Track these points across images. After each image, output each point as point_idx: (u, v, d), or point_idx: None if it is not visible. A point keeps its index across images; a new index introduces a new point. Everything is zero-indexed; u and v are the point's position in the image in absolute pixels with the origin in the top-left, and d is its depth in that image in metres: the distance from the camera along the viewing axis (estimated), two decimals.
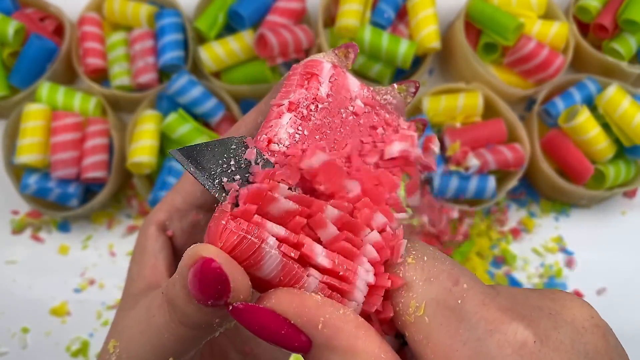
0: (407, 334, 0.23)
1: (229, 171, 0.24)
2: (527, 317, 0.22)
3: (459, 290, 0.23)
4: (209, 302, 0.22)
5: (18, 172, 0.75)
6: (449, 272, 0.23)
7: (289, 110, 0.26)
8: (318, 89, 0.26)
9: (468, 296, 0.22)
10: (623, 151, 0.77)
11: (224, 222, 0.23)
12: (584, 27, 0.83)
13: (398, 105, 0.29)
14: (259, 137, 0.26)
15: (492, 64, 0.81)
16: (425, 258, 0.24)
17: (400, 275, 0.24)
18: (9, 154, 0.75)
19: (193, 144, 0.25)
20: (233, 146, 0.25)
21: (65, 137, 0.73)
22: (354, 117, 0.28)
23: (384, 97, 0.29)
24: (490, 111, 0.79)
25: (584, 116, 0.74)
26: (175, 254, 0.31)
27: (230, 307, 0.22)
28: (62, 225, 0.79)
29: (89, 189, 0.77)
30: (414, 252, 0.24)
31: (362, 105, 0.28)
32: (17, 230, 0.79)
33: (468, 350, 0.21)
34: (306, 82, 0.27)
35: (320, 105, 0.27)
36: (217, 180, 0.24)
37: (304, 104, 0.26)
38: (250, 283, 0.23)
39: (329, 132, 0.26)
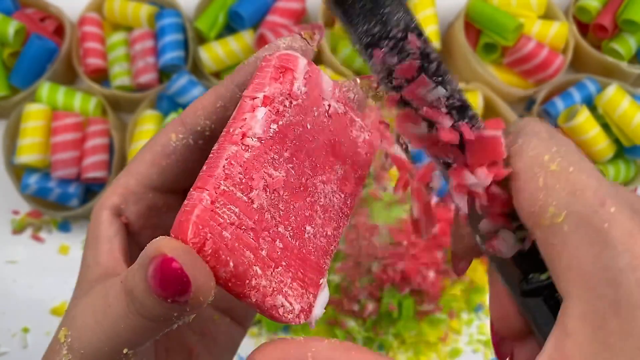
0: (538, 235, 0.23)
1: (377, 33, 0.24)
2: None
3: (605, 212, 0.21)
4: (168, 300, 0.22)
5: (18, 172, 0.75)
6: (595, 190, 0.22)
7: (264, 104, 0.25)
8: (292, 85, 0.26)
9: (615, 223, 0.21)
10: (623, 151, 0.77)
11: (193, 217, 0.23)
12: (583, 27, 0.83)
13: (360, 101, 0.29)
14: (231, 130, 0.25)
15: (491, 64, 0.81)
16: (572, 169, 0.23)
17: (541, 180, 0.23)
18: (9, 154, 0.75)
19: None
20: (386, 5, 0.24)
21: (65, 137, 0.73)
22: (327, 118, 0.27)
23: (348, 94, 0.29)
24: (490, 111, 0.79)
25: (584, 116, 0.74)
26: (131, 238, 0.30)
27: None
28: (62, 225, 0.79)
29: (90, 189, 0.77)
30: (559, 159, 0.23)
31: (337, 106, 0.28)
32: (18, 230, 0.79)
33: (608, 276, 0.21)
34: (281, 76, 0.26)
35: (294, 102, 0.26)
36: (364, 40, 0.24)
37: (279, 99, 0.26)
38: (213, 283, 0.22)
39: (300, 129, 0.26)
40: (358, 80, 0.29)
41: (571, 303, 0.21)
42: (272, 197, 0.25)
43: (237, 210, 0.24)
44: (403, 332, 0.71)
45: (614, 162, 0.77)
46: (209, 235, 0.23)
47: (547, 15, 0.82)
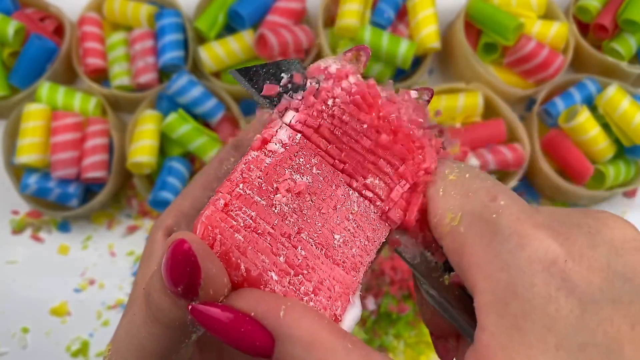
0: (444, 244, 0.24)
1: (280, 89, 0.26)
2: (562, 234, 0.22)
3: (495, 205, 0.23)
4: (179, 289, 0.21)
5: (18, 172, 0.75)
6: (487, 189, 0.23)
7: (294, 109, 0.27)
8: (329, 96, 0.27)
9: (504, 212, 0.22)
10: (623, 151, 0.77)
11: (202, 218, 0.23)
12: (584, 27, 0.83)
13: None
14: (257, 136, 0.26)
15: (492, 64, 0.81)
16: (467, 175, 0.24)
17: (441, 191, 0.24)
18: (9, 154, 0.75)
19: (250, 65, 0.27)
20: (286, 67, 0.27)
21: (65, 137, 0.73)
22: (375, 130, 0.27)
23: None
24: (490, 111, 0.79)
25: (584, 116, 0.74)
26: None
27: (190, 307, 0.22)
28: (62, 225, 0.79)
29: (89, 189, 0.77)
30: (456, 171, 0.25)
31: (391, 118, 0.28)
32: (17, 230, 0.79)
33: (499, 262, 0.21)
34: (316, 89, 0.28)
35: (330, 111, 0.27)
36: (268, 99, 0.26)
37: (311, 110, 0.27)
38: (227, 279, 0.22)
39: (336, 137, 0.27)
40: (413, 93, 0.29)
41: (477, 297, 0.22)
42: (296, 203, 0.25)
43: (253, 214, 0.24)
44: (403, 333, 0.71)
45: (614, 162, 0.77)
46: (219, 236, 0.23)
47: (548, 15, 0.82)
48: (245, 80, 0.26)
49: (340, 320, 0.25)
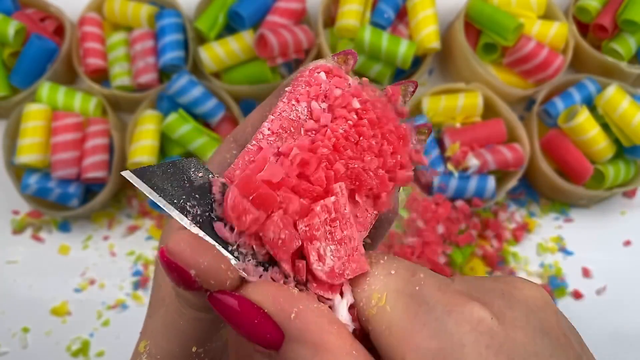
0: (370, 328, 0.24)
1: (183, 191, 0.25)
2: (481, 298, 0.23)
3: (416, 279, 0.24)
4: (181, 287, 0.23)
5: (18, 172, 0.75)
6: (406, 266, 0.25)
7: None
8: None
9: (425, 284, 0.23)
10: (622, 151, 0.77)
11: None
12: (583, 28, 0.83)
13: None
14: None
15: (491, 64, 0.81)
16: (386, 258, 0.25)
17: (364, 281, 0.25)
18: (9, 154, 0.75)
19: (145, 166, 0.25)
20: (188, 168, 0.26)
21: (65, 137, 0.73)
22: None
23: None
24: (489, 111, 0.79)
25: (584, 116, 0.74)
26: None
27: (208, 294, 0.23)
28: (62, 225, 0.79)
29: (90, 189, 0.77)
30: (374, 257, 0.26)
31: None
32: (18, 230, 0.79)
33: (428, 330, 0.22)
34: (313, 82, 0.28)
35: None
36: (176, 201, 0.24)
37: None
38: (224, 265, 0.23)
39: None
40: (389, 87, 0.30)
41: None
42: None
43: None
44: None
45: (614, 162, 0.77)
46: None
47: (547, 15, 0.82)
48: (143, 182, 0.24)
49: (343, 292, 0.25)
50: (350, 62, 0.29)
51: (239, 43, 0.78)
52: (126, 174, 0.24)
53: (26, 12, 0.82)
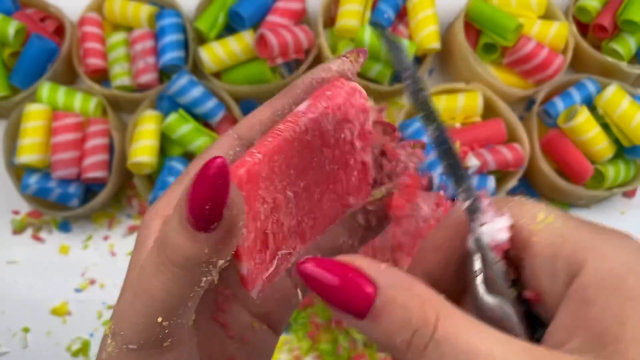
0: (534, 241, 0.23)
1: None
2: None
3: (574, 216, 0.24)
4: (206, 209, 0.21)
5: (19, 172, 0.75)
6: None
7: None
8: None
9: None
10: (622, 151, 0.77)
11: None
12: (583, 28, 0.84)
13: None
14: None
15: (491, 64, 0.82)
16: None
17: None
18: (9, 154, 0.75)
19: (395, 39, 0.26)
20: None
21: (65, 137, 0.73)
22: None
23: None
24: (489, 111, 0.79)
25: (584, 116, 0.74)
26: None
27: (298, 264, 0.22)
28: (62, 225, 0.79)
29: (90, 189, 0.77)
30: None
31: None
32: (18, 230, 0.79)
33: (613, 244, 0.21)
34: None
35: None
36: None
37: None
38: (243, 215, 0.23)
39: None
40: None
41: (586, 274, 0.21)
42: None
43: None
44: None
45: (614, 162, 0.77)
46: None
47: (547, 15, 0.82)
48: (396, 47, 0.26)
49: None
50: (360, 60, 0.30)
51: (239, 43, 0.78)
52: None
53: (26, 12, 0.82)
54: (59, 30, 0.84)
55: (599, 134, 0.75)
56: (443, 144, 0.25)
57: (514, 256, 0.24)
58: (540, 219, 0.23)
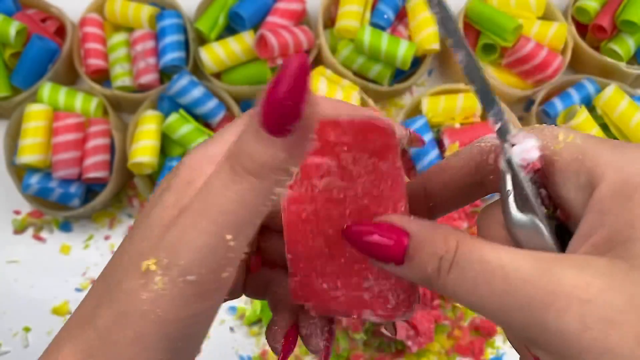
0: (557, 160, 0.24)
1: None
2: None
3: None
4: (287, 105, 0.20)
5: (20, 172, 0.76)
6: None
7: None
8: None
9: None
10: None
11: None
12: (582, 28, 0.84)
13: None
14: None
15: (490, 65, 0.82)
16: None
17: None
18: (10, 154, 0.75)
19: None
20: None
21: (66, 137, 0.73)
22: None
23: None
24: None
25: (583, 116, 0.74)
26: None
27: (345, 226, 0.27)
28: (63, 225, 0.79)
29: (91, 189, 0.77)
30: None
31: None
32: (19, 230, 0.79)
33: (629, 158, 0.22)
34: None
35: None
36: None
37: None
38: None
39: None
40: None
41: (603, 186, 0.22)
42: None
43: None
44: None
45: None
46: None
47: (546, 16, 0.82)
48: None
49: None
50: (414, 145, 0.34)
51: (240, 44, 0.78)
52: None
53: (27, 13, 0.82)
54: (60, 31, 0.84)
55: (598, 134, 0.75)
56: (473, 70, 0.25)
57: (541, 176, 0.25)
58: (562, 139, 0.24)
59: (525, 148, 0.25)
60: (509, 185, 0.25)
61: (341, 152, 0.28)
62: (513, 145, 0.25)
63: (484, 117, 0.79)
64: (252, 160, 0.22)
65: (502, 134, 0.25)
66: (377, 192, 0.28)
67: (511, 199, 0.25)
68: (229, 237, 0.22)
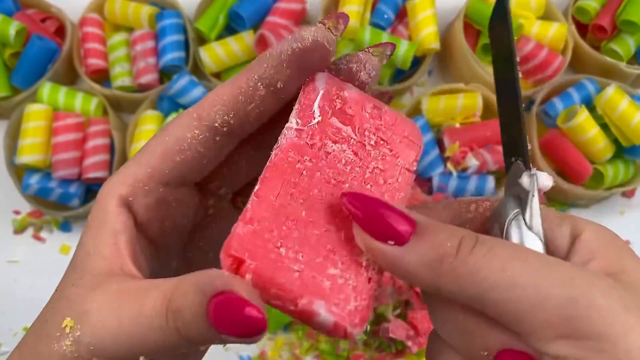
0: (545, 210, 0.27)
1: None
2: None
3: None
4: (223, 335, 0.21)
5: (19, 172, 0.76)
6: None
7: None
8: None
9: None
10: (622, 151, 0.77)
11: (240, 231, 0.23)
12: (582, 28, 0.84)
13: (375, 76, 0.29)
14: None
15: (491, 65, 0.82)
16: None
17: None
18: (10, 154, 0.75)
19: None
20: None
21: (66, 137, 0.73)
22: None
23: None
24: (489, 111, 0.79)
25: (583, 116, 0.74)
26: (138, 230, 0.28)
27: (342, 195, 0.24)
28: (63, 225, 0.79)
29: (90, 189, 0.77)
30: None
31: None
32: (19, 230, 0.79)
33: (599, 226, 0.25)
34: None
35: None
36: None
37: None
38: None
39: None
40: (370, 50, 0.28)
41: (586, 234, 0.24)
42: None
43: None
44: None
45: (613, 162, 0.77)
46: (252, 263, 0.24)
47: (546, 16, 0.82)
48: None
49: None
50: (340, 27, 0.27)
51: (240, 44, 0.78)
52: None
53: (27, 13, 0.82)
54: (60, 31, 0.84)
55: (598, 134, 0.75)
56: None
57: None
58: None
59: (543, 176, 0.27)
60: (521, 206, 0.27)
61: (367, 130, 0.27)
62: (532, 170, 0.28)
63: (484, 117, 0.79)
64: (188, 331, 0.22)
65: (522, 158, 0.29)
66: (382, 181, 0.27)
67: (526, 217, 0.26)
68: (142, 358, 0.24)
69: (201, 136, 0.27)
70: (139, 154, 0.28)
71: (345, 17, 0.27)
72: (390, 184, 0.27)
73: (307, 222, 0.25)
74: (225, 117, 0.26)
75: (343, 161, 0.27)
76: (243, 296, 0.21)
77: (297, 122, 0.26)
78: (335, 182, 0.26)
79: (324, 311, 0.23)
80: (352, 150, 0.27)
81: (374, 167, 0.27)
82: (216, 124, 0.27)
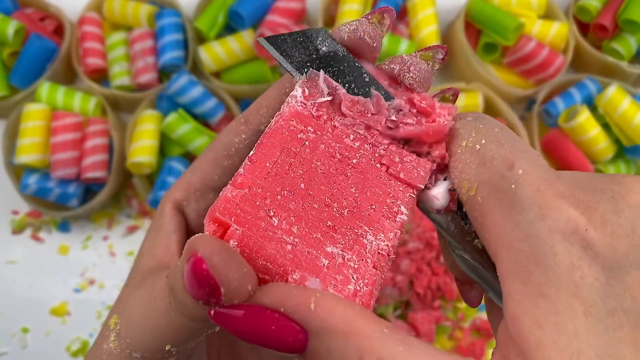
0: (465, 210, 0.24)
1: (309, 58, 0.26)
2: (584, 202, 0.21)
3: (512, 175, 0.22)
4: (201, 302, 0.21)
5: (18, 172, 0.75)
6: (504, 156, 0.23)
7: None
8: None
9: (523, 182, 0.22)
10: (623, 151, 0.77)
11: (229, 195, 0.22)
12: (584, 27, 0.83)
13: (425, 79, 0.27)
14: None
15: (492, 64, 0.81)
16: (484, 141, 0.24)
17: (456, 159, 0.24)
18: (8, 154, 0.75)
19: (278, 34, 0.26)
20: (314, 36, 0.27)
21: (65, 137, 0.73)
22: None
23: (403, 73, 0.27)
24: (490, 111, 0.79)
25: (584, 116, 0.74)
26: (189, 235, 0.30)
27: (212, 313, 0.21)
28: (62, 225, 0.79)
29: (89, 189, 0.77)
30: (474, 135, 0.24)
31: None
32: (17, 230, 0.79)
33: (520, 232, 0.21)
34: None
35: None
36: (296, 64, 0.25)
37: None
38: (253, 280, 0.21)
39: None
40: (418, 54, 0.28)
41: (500, 266, 0.22)
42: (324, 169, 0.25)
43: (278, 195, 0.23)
44: None
45: (614, 162, 0.77)
46: (238, 229, 0.22)
47: (548, 15, 0.82)
48: (274, 49, 0.25)
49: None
50: (386, 22, 0.27)
51: (239, 43, 0.78)
52: (261, 40, 0.24)
53: (26, 12, 0.82)
54: (59, 30, 0.83)
55: (599, 134, 0.75)
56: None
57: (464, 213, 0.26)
58: (465, 190, 0.24)
59: (432, 195, 0.25)
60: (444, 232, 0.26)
61: (387, 130, 0.25)
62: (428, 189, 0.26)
63: None
64: (184, 308, 0.22)
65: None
66: (383, 194, 0.25)
67: (456, 252, 0.26)
68: (168, 347, 0.24)
69: (247, 140, 0.28)
70: (195, 161, 0.30)
71: (391, 12, 0.27)
72: (388, 201, 0.24)
73: (306, 195, 0.23)
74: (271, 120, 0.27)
75: (351, 137, 0.25)
76: (202, 254, 0.20)
77: (303, 91, 0.25)
78: (340, 157, 0.24)
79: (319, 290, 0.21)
80: (365, 125, 0.25)
81: (380, 176, 0.25)
82: (262, 127, 0.28)
